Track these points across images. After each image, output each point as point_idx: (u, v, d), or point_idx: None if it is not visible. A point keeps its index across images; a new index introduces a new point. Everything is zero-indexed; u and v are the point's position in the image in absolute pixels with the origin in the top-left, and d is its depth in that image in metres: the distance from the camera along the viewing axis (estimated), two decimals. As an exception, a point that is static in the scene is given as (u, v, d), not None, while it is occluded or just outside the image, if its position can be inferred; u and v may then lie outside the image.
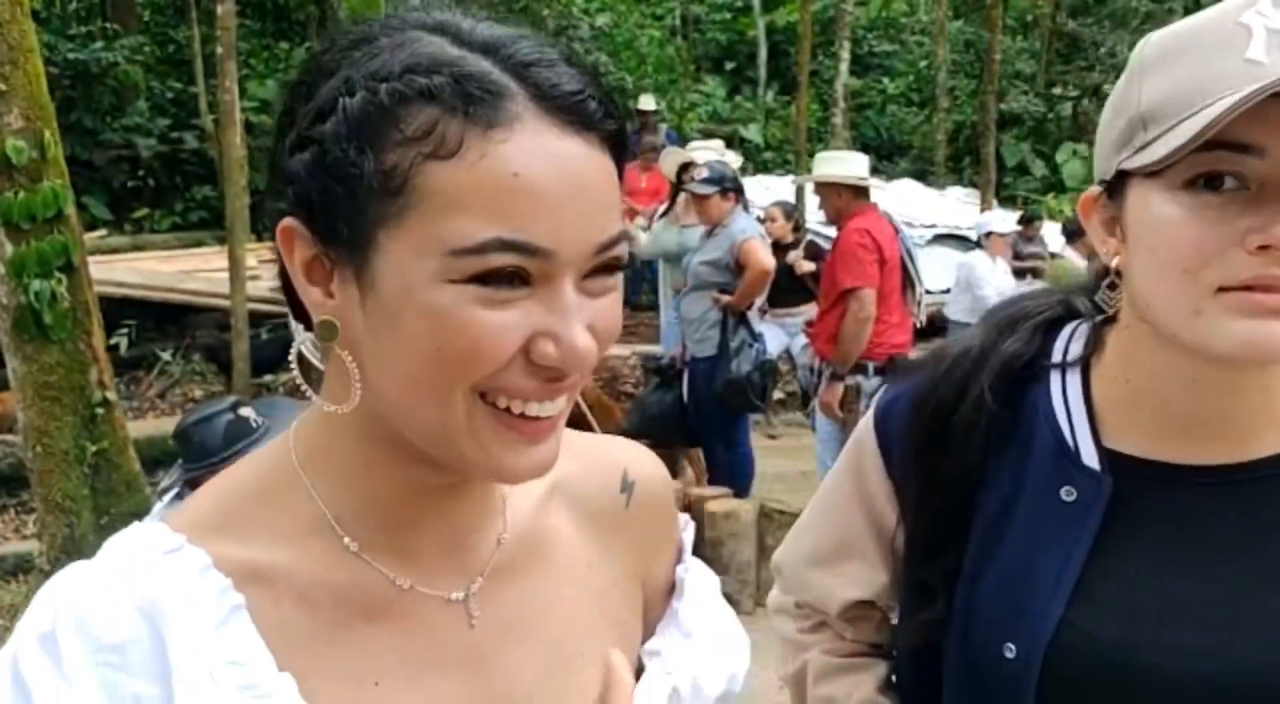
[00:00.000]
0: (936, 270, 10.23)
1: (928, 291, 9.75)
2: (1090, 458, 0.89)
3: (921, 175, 14.52)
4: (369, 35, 0.65)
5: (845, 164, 4.79)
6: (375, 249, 0.62)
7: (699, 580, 0.90)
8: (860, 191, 4.65)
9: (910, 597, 1.01)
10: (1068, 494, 0.88)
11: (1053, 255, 8.22)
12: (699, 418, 5.35)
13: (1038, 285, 7.05)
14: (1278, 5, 0.74)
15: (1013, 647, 0.87)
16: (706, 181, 5.26)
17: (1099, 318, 0.93)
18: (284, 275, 0.68)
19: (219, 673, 0.64)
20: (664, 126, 12.46)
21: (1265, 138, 0.72)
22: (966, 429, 0.93)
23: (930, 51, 16.54)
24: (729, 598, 4.68)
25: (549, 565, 0.78)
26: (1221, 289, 0.75)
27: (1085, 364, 0.94)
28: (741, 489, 5.27)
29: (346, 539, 0.70)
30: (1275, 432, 0.85)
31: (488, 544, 0.76)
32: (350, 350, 0.65)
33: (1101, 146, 0.86)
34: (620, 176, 0.67)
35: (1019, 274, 7.57)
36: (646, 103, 11.97)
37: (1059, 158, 15.74)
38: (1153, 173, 0.77)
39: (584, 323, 0.63)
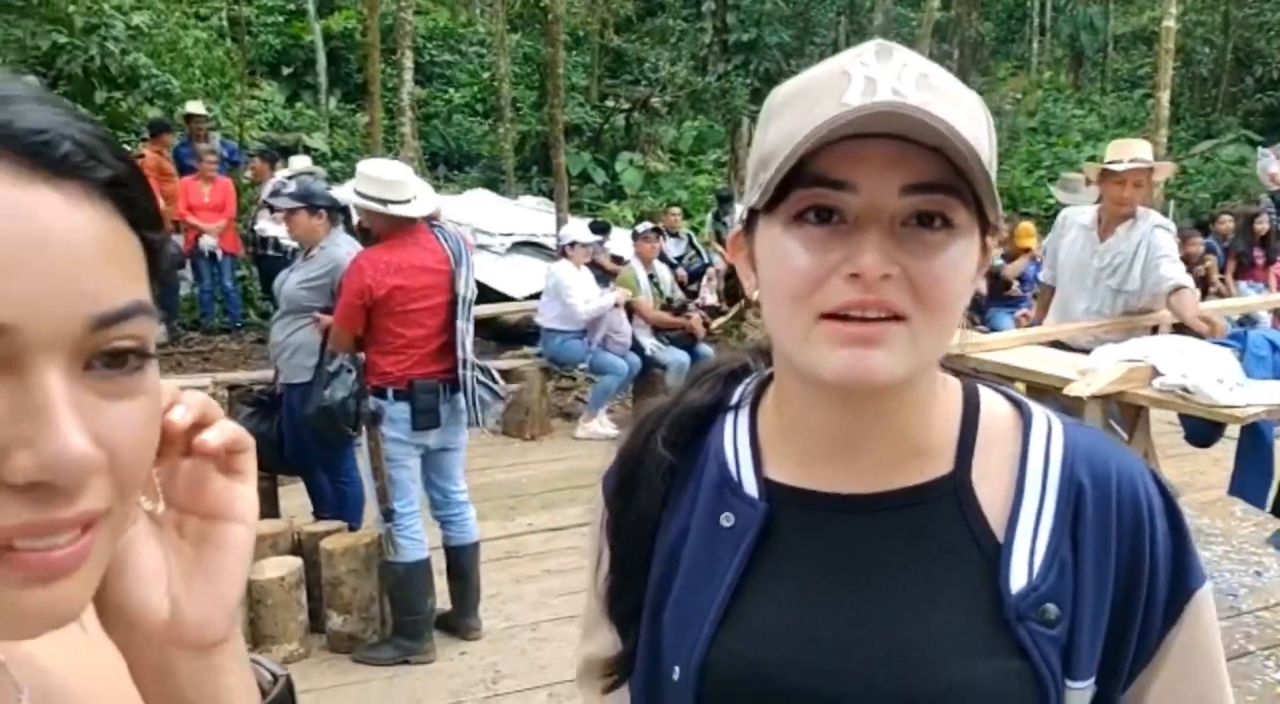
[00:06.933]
0: (520, 277, 10.49)
1: (512, 298, 10.07)
2: (750, 486, 0.93)
3: (493, 184, 14.78)
4: None
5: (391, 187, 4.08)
6: None
7: None
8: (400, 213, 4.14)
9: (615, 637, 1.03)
10: (726, 520, 0.93)
11: (623, 261, 8.66)
12: (298, 447, 5.00)
13: (619, 290, 7.46)
14: (881, 56, 0.81)
15: (678, 669, 0.91)
16: (293, 196, 4.92)
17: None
18: None
19: None
20: (217, 135, 11.67)
21: (856, 174, 0.78)
22: (648, 477, 0.98)
23: (492, 63, 16.87)
24: (352, 637, 4.44)
25: None
26: (822, 317, 0.80)
27: (755, 403, 0.99)
28: (353, 520, 5.00)
29: None
30: (917, 461, 0.90)
31: None
32: None
33: (745, 189, 0.91)
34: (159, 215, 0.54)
35: (603, 280, 7.90)
36: (195, 107, 11.08)
37: (618, 167, 16.73)
38: (770, 209, 0.83)
39: (81, 425, 0.48)
